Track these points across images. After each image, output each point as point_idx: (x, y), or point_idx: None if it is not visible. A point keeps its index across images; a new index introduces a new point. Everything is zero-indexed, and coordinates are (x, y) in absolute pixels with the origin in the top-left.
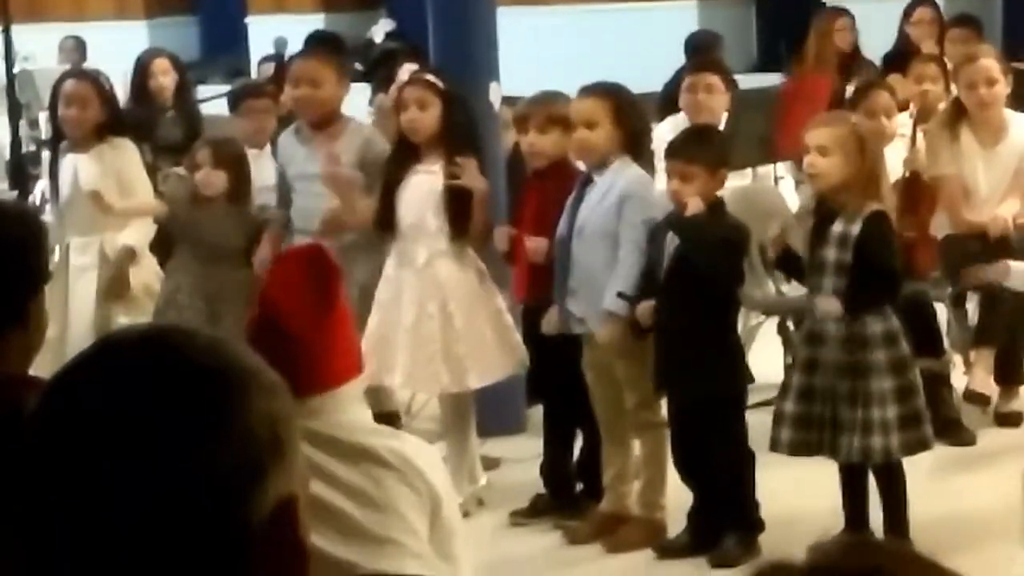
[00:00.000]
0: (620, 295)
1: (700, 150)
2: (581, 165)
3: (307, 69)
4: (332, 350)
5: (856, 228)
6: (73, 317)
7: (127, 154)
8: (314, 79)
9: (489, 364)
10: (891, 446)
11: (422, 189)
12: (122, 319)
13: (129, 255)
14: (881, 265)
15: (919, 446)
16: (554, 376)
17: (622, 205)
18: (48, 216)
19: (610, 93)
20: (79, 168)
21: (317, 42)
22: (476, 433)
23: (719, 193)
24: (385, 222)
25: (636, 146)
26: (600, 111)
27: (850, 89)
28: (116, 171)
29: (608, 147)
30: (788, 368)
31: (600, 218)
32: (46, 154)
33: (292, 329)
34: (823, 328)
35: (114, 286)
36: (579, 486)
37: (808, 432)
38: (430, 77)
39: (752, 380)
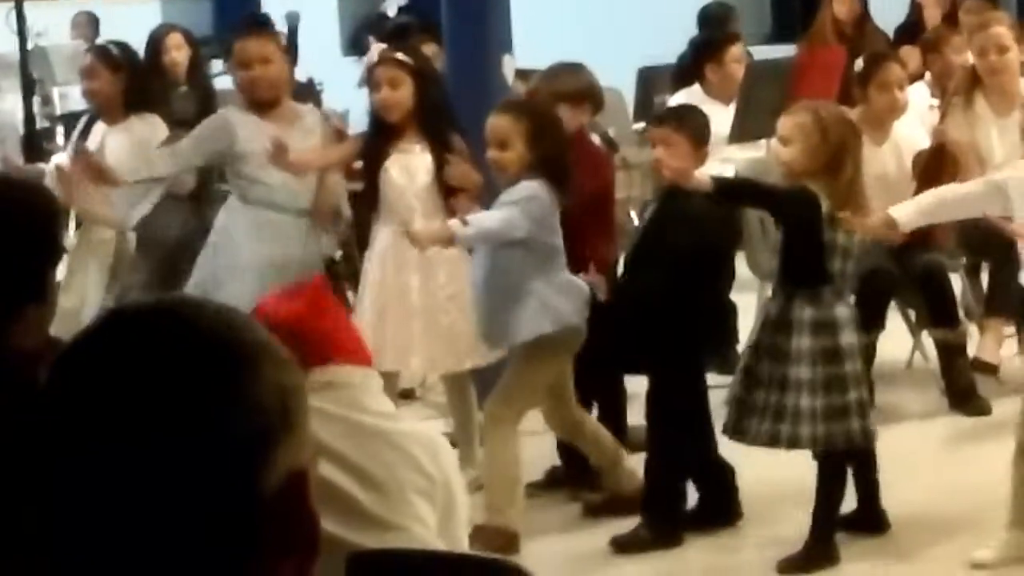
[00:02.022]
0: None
1: (688, 122)
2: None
3: (258, 47)
4: (328, 329)
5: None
6: (89, 289)
7: (157, 128)
8: (266, 57)
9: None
10: (800, 435)
11: (408, 171)
12: (133, 293)
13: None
14: (799, 249)
15: (844, 440)
16: None
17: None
18: (61, 153)
19: (526, 113)
20: (106, 142)
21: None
22: (482, 410)
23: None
24: (371, 203)
25: (546, 168)
26: (514, 132)
27: (859, 62)
28: (144, 144)
29: (519, 167)
30: None
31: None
32: (60, 129)
33: (281, 323)
34: (767, 311)
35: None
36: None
37: (752, 420)
38: (399, 55)
39: (731, 371)
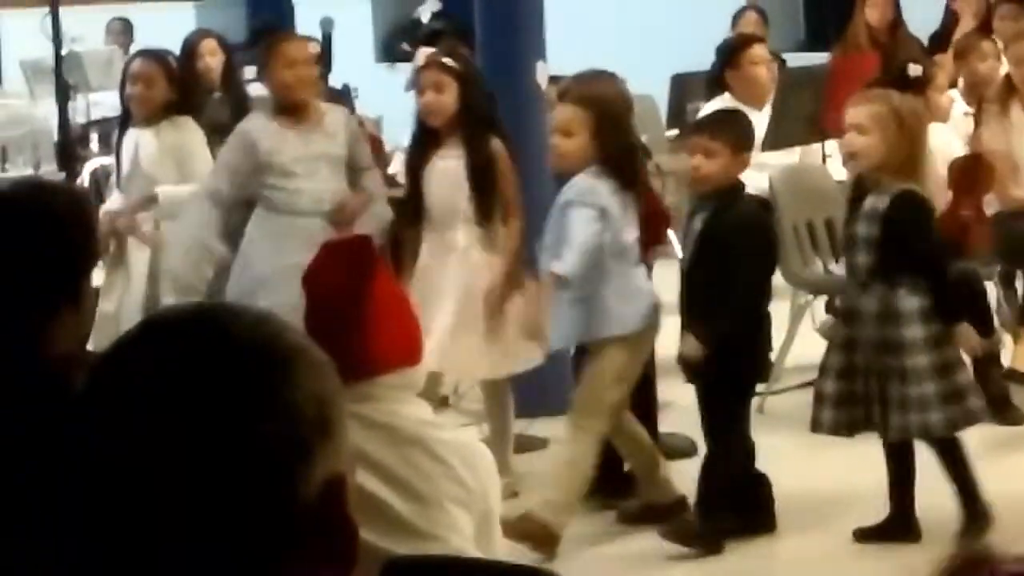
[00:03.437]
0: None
1: (726, 129)
2: None
3: (304, 48)
4: (373, 338)
5: (883, 203)
6: (127, 295)
7: (188, 133)
8: (309, 58)
9: (527, 347)
10: (929, 423)
11: (447, 175)
12: (169, 298)
13: (150, 199)
14: (911, 243)
15: (964, 422)
16: None
17: (563, 212)
18: (113, 194)
19: (594, 103)
20: (139, 145)
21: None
22: (521, 415)
23: (742, 176)
24: (414, 211)
25: (608, 161)
26: (579, 122)
27: (914, 67)
28: (174, 148)
29: (581, 158)
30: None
31: (547, 233)
32: (94, 135)
33: (333, 316)
34: (858, 305)
35: (125, 220)
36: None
37: (848, 411)
38: (446, 59)
39: (766, 380)
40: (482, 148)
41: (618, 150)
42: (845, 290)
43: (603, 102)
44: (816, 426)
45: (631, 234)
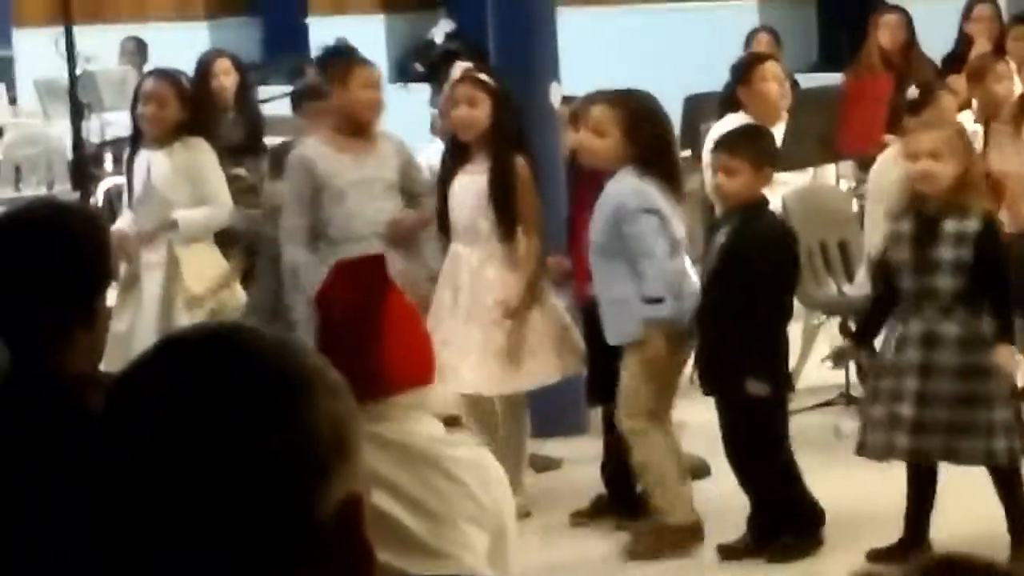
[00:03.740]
0: (648, 300)
1: (745, 146)
2: None
3: (371, 74)
4: (387, 358)
5: (974, 225)
6: (140, 314)
7: (201, 153)
8: (377, 83)
9: (544, 365)
10: (1015, 447)
11: (470, 191)
12: (184, 319)
13: (169, 224)
14: (999, 263)
15: None
16: (612, 378)
17: (617, 219)
18: (123, 213)
19: (623, 103)
20: (152, 165)
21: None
22: (537, 435)
23: (767, 193)
24: (442, 224)
25: (645, 158)
26: (610, 121)
27: (912, 91)
28: (187, 169)
29: (614, 157)
30: (874, 371)
31: (597, 233)
32: (108, 154)
33: (345, 336)
34: (939, 329)
35: (144, 242)
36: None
37: (924, 438)
38: (481, 75)
39: (792, 389)
40: (507, 165)
41: (653, 144)
42: (912, 315)
43: (633, 99)
44: (889, 452)
45: (681, 229)
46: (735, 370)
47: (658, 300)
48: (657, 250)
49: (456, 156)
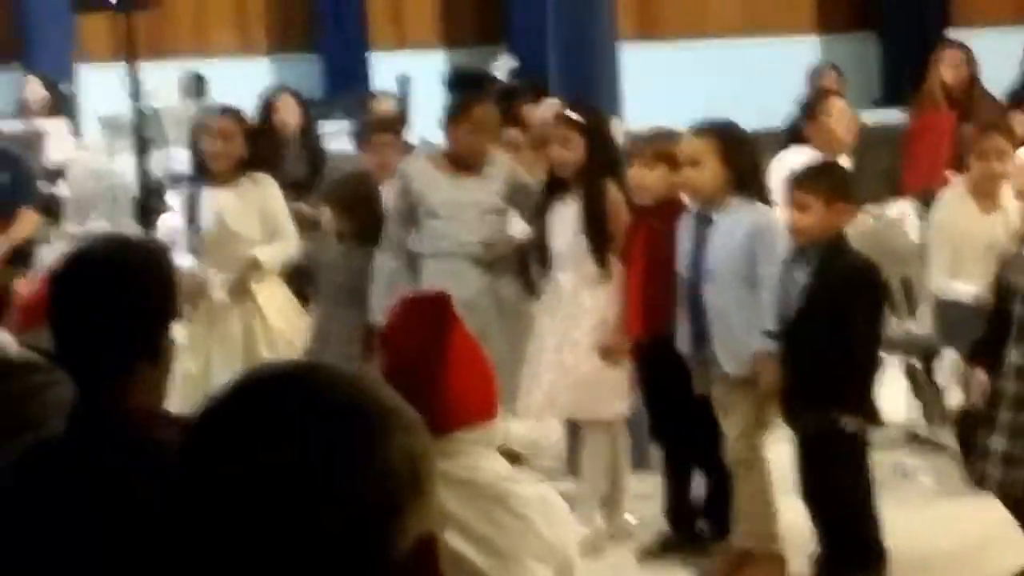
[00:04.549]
0: (768, 333)
1: (817, 181)
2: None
3: (490, 114)
4: (451, 394)
5: None
6: (215, 354)
7: (269, 189)
8: (488, 128)
9: (623, 395)
10: None
11: (566, 219)
12: (267, 355)
13: (252, 264)
14: None
15: None
16: (669, 415)
17: (753, 244)
18: (182, 251)
19: (716, 131)
20: (222, 205)
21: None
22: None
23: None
24: (541, 256)
25: (746, 185)
26: (705, 151)
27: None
28: (259, 207)
29: (715, 187)
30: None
31: (730, 260)
32: (171, 190)
33: (409, 372)
34: None
35: (234, 288)
36: (703, 523)
37: (1017, 471)
38: (571, 114)
39: (879, 423)
40: (599, 193)
41: (749, 169)
42: (1015, 344)
43: (723, 126)
44: (982, 482)
45: None
46: (823, 404)
47: (773, 335)
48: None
49: (554, 188)
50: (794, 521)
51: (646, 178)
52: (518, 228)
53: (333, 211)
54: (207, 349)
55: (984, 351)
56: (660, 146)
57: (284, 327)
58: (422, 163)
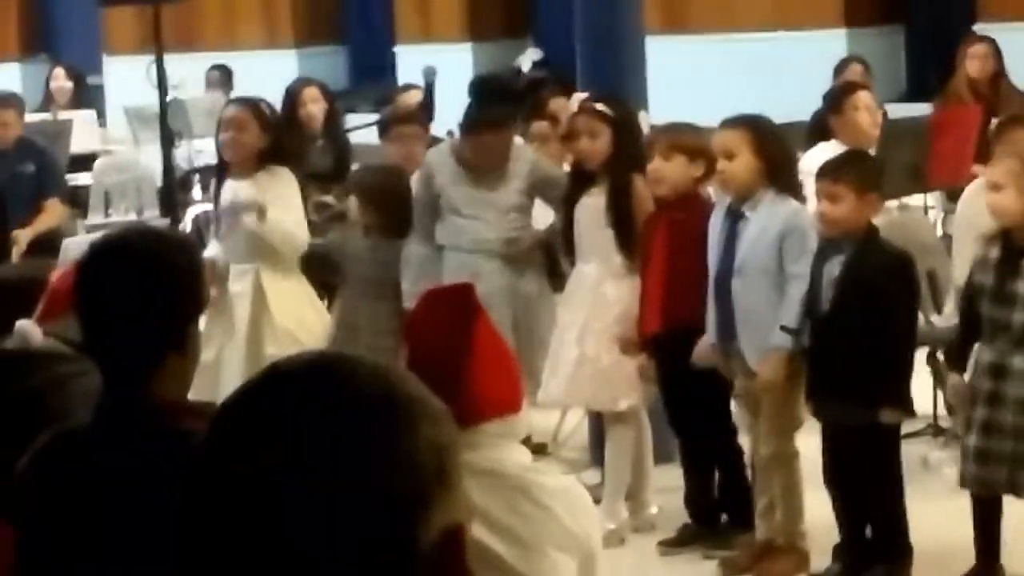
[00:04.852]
0: (784, 329)
1: (848, 172)
2: (714, 196)
3: (500, 141)
4: (476, 386)
5: None
6: (229, 343)
7: (283, 181)
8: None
9: (638, 389)
10: None
11: (592, 211)
12: (271, 349)
13: (258, 209)
14: None
15: None
16: (688, 408)
17: (783, 241)
18: (212, 241)
19: (749, 124)
20: (236, 194)
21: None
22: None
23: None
24: (568, 249)
25: (779, 177)
26: (739, 142)
27: (995, 121)
28: (276, 198)
29: (749, 178)
30: (967, 399)
31: (760, 256)
32: (196, 180)
33: (434, 363)
34: (1008, 361)
35: (245, 279)
36: (724, 516)
37: (989, 469)
38: (598, 106)
39: (914, 414)
40: (625, 185)
41: (781, 161)
42: (986, 343)
43: (756, 118)
44: (962, 481)
45: None
46: (862, 397)
47: (796, 331)
48: (805, 283)
49: (581, 183)
50: (816, 514)
51: (663, 170)
52: (545, 220)
53: (361, 203)
54: (221, 338)
55: (960, 355)
56: (676, 138)
57: (292, 326)
58: (446, 156)
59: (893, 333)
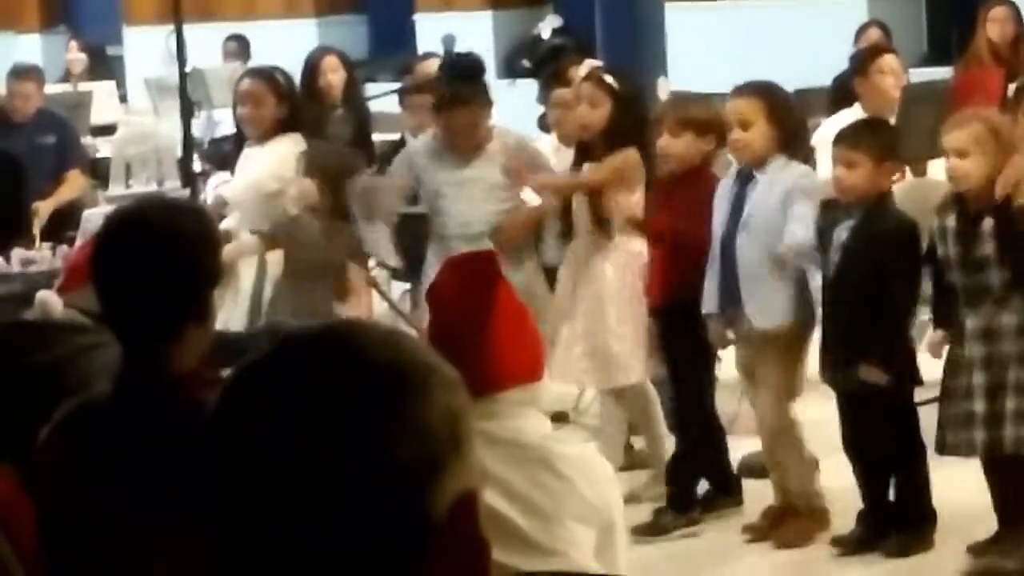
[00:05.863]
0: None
1: (866, 139)
2: (722, 169)
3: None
4: (496, 354)
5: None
6: (234, 311)
7: (294, 147)
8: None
9: (639, 363)
10: None
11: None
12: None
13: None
14: None
15: None
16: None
17: (788, 199)
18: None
19: (762, 92)
20: (248, 161)
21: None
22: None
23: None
24: (564, 221)
25: (792, 143)
26: (753, 110)
27: (1012, 87)
28: (277, 159)
29: (764, 147)
30: (946, 369)
31: (766, 213)
32: (217, 152)
33: (455, 331)
34: (996, 322)
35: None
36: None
37: (1000, 428)
38: (606, 76)
39: (921, 383)
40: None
41: (794, 129)
42: (968, 310)
43: (768, 86)
44: (969, 449)
45: None
46: (861, 360)
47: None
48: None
49: (582, 156)
50: (838, 480)
51: (672, 146)
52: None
53: (321, 186)
54: (228, 308)
55: (943, 316)
56: (685, 113)
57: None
58: (427, 140)
59: (890, 299)
